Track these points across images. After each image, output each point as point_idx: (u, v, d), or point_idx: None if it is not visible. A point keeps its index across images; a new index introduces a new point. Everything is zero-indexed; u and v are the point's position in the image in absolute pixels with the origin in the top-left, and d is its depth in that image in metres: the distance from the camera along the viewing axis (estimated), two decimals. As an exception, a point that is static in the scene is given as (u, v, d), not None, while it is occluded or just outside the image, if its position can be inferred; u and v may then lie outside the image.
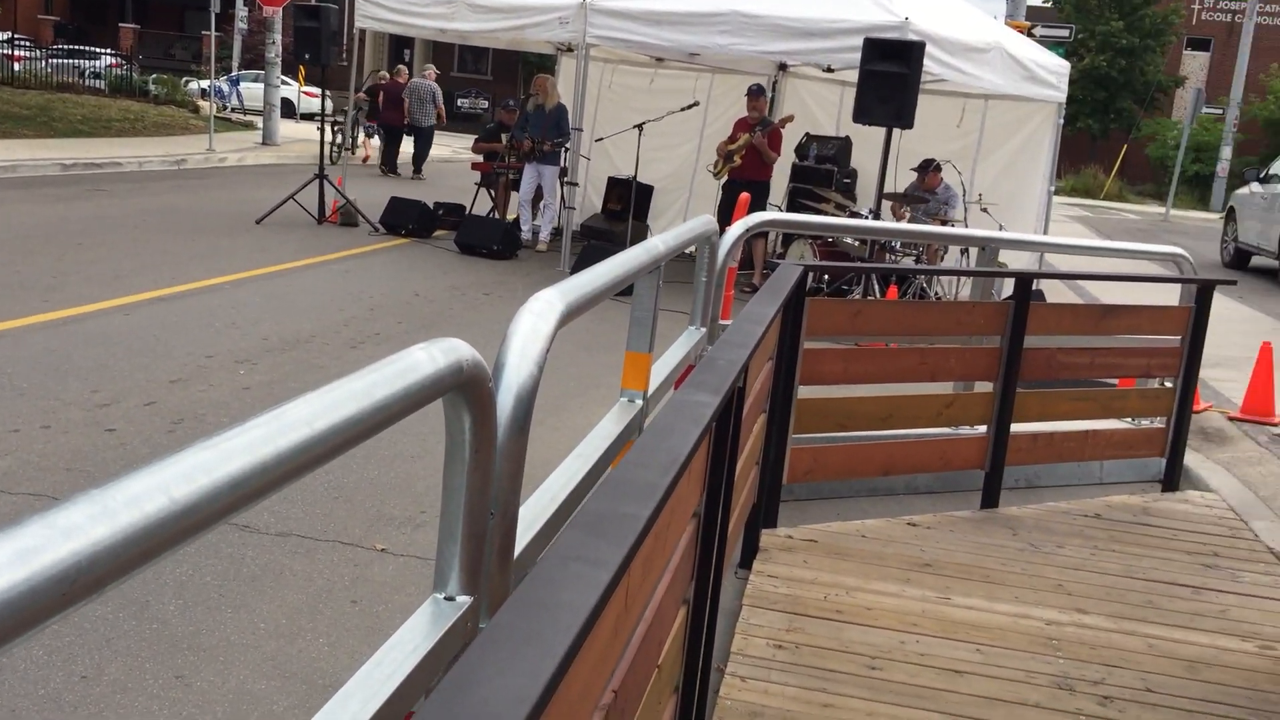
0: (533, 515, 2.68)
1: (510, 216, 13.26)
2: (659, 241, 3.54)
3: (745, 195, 9.38)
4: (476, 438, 2.06)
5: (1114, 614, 4.19)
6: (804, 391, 4.71)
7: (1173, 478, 5.93)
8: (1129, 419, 6.28)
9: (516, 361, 2.28)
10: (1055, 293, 11.87)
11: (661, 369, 4.22)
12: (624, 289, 3.51)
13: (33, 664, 3.30)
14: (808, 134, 12.61)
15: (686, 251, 4.86)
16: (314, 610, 3.79)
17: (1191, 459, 6.25)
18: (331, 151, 19.43)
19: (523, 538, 2.48)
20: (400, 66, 22.33)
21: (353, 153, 22.12)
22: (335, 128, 20.24)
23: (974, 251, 9.76)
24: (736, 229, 5.10)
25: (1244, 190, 17.62)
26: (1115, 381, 6.60)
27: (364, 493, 4.87)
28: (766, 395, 4.32)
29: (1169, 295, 6.23)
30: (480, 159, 13.95)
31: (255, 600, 3.82)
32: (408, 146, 20.50)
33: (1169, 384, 5.96)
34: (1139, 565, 4.72)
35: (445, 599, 2.14)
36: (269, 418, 1.33)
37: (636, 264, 3.07)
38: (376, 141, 21.26)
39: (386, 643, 2.01)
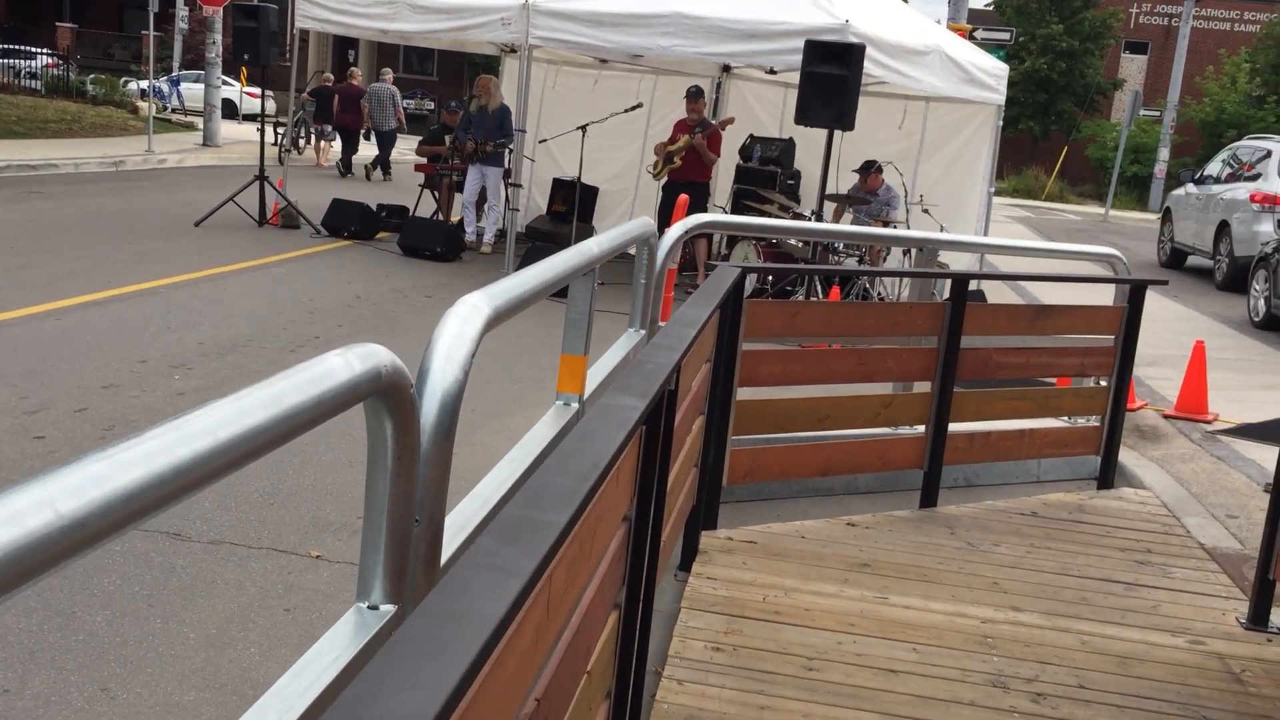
0: (462, 521, 2.65)
1: (454, 218, 13.18)
2: (593, 244, 3.53)
3: (684, 197, 9.39)
4: (399, 444, 2.03)
5: (1048, 611, 4.23)
6: (742, 393, 4.72)
7: (1108, 475, 6.01)
8: (1065, 418, 6.36)
9: (441, 366, 2.25)
10: (996, 293, 12.00)
11: (599, 371, 4.21)
12: (561, 290, 3.50)
13: (-48, 679, 3.22)
14: (751, 135, 12.65)
15: (630, 252, 4.86)
16: (245, 619, 3.73)
17: (1126, 456, 6.35)
18: (280, 152, 19.54)
19: (451, 544, 2.45)
20: (353, 69, 22.62)
21: (299, 153, 22.52)
22: (278, 129, 20.15)
23: (916, 252, 9.83)
24: (675, 231, 5.10)
25: (1179, 191, 17.93)
26: (1054, 380, 6.68)
27: (300, 499, 4.81)
28: (704, 397, 4.31)
29: (1105, 295, 6.31)
30: (424, 160, 13.86)
31: (185, 610, 3.75)
32: (366, 150, 20.63)
33: (1104, 383, 6.04)
34: (1074, 562, 4.77)
35: (369, 608, 2.11)
36: (168, 427, 1.30)
37: (569, 266, 3.05)
38: (337, 144, 21.39)
39: (306, 653, 1.98)
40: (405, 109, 21.89)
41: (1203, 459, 6.45)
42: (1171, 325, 11.49)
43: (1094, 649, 3.93)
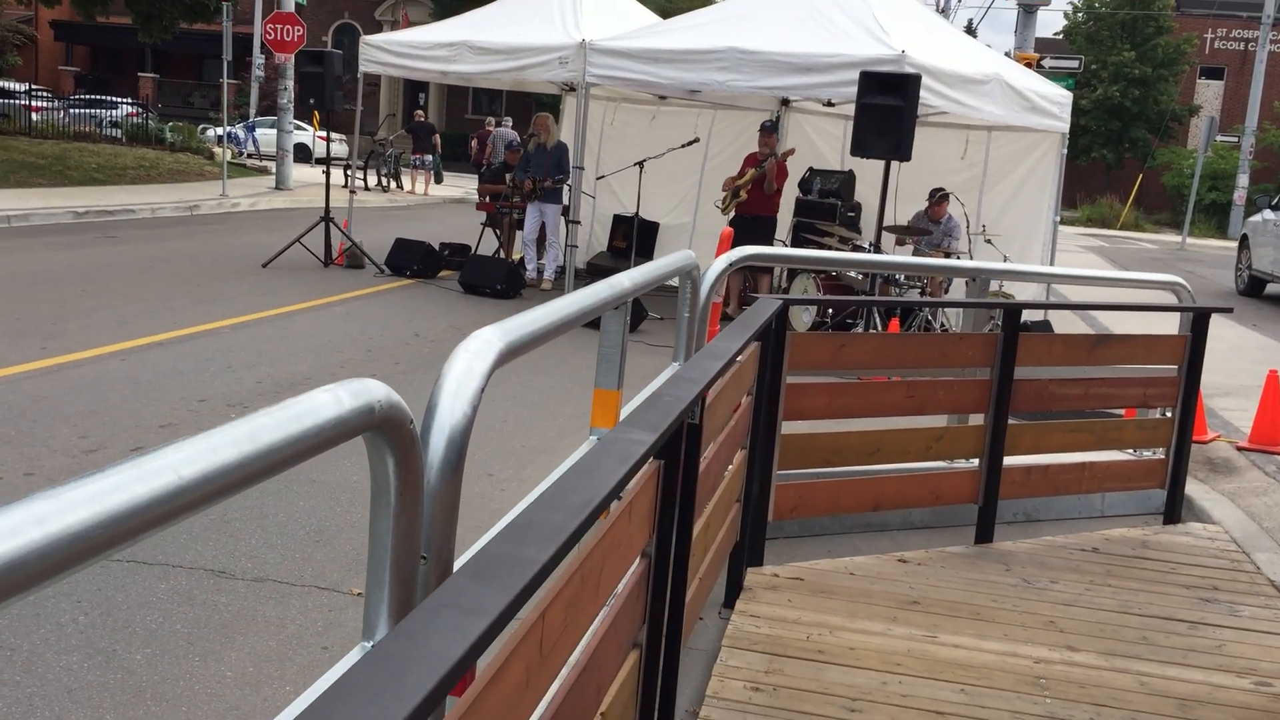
0: (482, 559, 2.61)
1: (516, 256, 13.27)
2: (625, 277, 3.50)
3: (727, 230, 9.34)
4: (401, 480, 2.00)
5: (1106, 651, 4.08)
6: (788, 427, 4.64)
7: (1174, 510, 5.81)
8: (1129, 450, 6.17)
9: (449, 402, 2.23)
10: (1065, 323, 11.76)
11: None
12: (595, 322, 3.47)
13: (-9, 716, 3.25)
14: (811, 168, 12.59)
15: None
16: (283, 658, 3.73)
17: (1195, 490, 6.14)
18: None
19: (466, 582, 2.42)
20: (489, 118, 28.96)
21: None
22: (346, 171, 20.69)
23: (971, 283, 9.66)
24: (719, 264, 5.05)
25: (1257, 218, 17.47)
26: (1121, 412, 6.50)
27: (345, 536, 4.82)
28: (746, 431, 4.25)
29: (1175, 324, 6.13)
30: (485, 199, 14.00)
31: (224, 648, 3.76)
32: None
33: (1168, 414, 5.85)
34: (1135, 600, 4.61)
35: (373, 647, 2.07)
36: (129, 465, 1.28)
37: (593, 301, 3.02)
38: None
39: (304, 693, 1.95)
40: (473, 149, 25.68)
41: (1276, 492, 6.21)
42: (1250, 354, 11.15)
43: (1153, 690, 3.77)
